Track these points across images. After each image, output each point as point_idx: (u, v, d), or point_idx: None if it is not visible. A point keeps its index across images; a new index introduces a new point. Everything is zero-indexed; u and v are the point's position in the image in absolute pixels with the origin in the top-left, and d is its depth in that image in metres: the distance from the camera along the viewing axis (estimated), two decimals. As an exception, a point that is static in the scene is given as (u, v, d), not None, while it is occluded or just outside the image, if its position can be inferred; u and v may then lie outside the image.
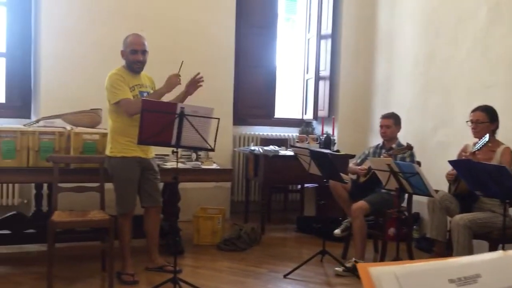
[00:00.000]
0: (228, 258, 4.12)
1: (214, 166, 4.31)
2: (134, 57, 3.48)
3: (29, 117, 5.00)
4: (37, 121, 3.94)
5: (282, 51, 6.36)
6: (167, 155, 4.26)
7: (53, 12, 4.86)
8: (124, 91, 3.42)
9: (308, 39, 6.21)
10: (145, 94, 3.52)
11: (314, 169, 3.77)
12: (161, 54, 5.16)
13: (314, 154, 3.73)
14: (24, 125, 3.85)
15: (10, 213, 4.01)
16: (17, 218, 3.96)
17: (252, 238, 4.50)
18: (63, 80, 4.85)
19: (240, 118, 5.85)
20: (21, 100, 5.02)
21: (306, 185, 5.56)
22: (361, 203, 3.77)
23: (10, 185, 4.89)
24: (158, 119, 3.03)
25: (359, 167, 4.08)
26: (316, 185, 5.26)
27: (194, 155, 4.41)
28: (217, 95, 5.23)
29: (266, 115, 6.01)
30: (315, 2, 6.04)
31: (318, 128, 6.02)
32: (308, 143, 5.21)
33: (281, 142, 5.71)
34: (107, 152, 3.54)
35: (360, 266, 0.61)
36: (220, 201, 5.31)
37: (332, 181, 3.92)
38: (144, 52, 3.52)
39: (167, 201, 4.36)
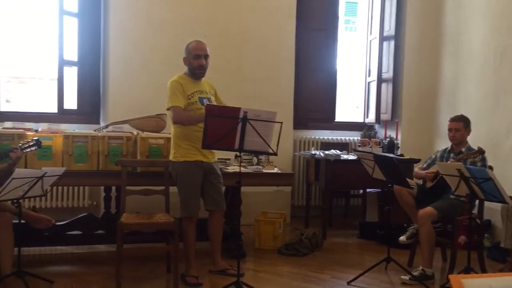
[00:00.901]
0: (289, 263, 4.09)
1: (275, 170, 4.30)
2: (198, 62, 3.55)
3: (98, 122, 5.22)
4: (106, 127, 4.11)
5: (343, 53, 6.27)
6: (229, 159, 4.30)
7: (121, 22, 5.07)
8: (177, 98, 3.49)
9: (370, 41, 6.08)
10: (205, 101, 3.56)
11: (378, 174, 3.67)
12: (222, 59, 5.26)
13: (378, 158, 3.64)
14: (94, 131, 4.03)
15: (81, 215, 4.19)
16: (88, 220, 4.13)
17: (314, 243, 4.45)
18: (130, 87, 5.04)
19: (300, 122, 5.82)
20: (91, 106, 5.26)
21: (368, 190, 5.43)
22: (429, 209, 3.63)
23: (81, 188, 5.14)
24: (222, 124, 3.07)
25: (425, 171, 3.93)
26: (378, 190, 5.14)
27: (255, 159, 4.43)
28: (277, 99, 5.25)
29: (326, 118, 5.95)
30: (377, 3, 5.90)
31: (380, 132, 5.87)
32: (370, 147, 5.09)
33: (342, 146, 5.62)
34: (171, 157, 3.62)
35: (453, 277, 0.58)
36: (281, 206, 5.30)
37: (397, 186, 3.80)
38: (206, 57, 3.59)
39: (229, 205, 4.40)
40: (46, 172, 3.01)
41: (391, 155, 4.89)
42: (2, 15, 5.17)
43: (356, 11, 8.66)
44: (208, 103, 3.51)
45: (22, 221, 3.12)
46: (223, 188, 3.77)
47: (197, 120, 3.43)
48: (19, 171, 2.85)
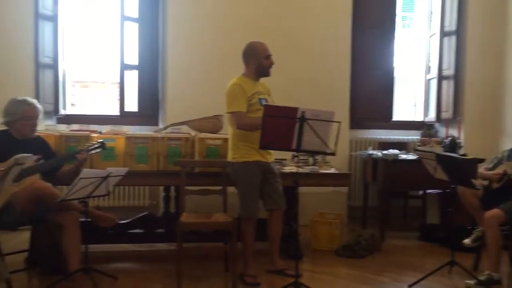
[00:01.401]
0: (347, 265, 4.03)
1: (332, 170, 4.25)
2: (269, 61, 3.65)
3: (157, 124, 5.38)
4: (166, 128, 4.21)
5: (400, 51, 6.10)
6: (285, 159, 4.30)
7: (179, 26, 5.19)
8: (239, 103, 3.53)
9: (430, 37, 5.88)
10: (263, 101, 3.59)
11: (440, 174, 3.55)
12: (276, 60, 5.26)
13: (441, 158, 3.51)
14: (154, 132, 4.14)
15: (142, 214, 4.32)
16: (149, 218, 4.26)
17: (372, 245, 4.36)
18: (188, 89, 5.16)
19: (356, 122, 5.72)
20: (150, 108, 5.42)
21: (428, 191, 5.26)
22: (496, 211, 3.46)
23: (141, 187, 5.31)
24: (279, 124, 3.07)
25: (491, 171, 3.75)
26: (440, 191, 4.96)
27: (311, 160, 4.39)
28: (333, 99, 5.20)
29: (383, 118, 5.81)
30: (437, -2, 5.71)
31: (441, 131, 5.67)
32: (431, 146, 4.92)
33: (400, 145, 5.45)
34: (229, 158, 3.67)
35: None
36: (337, 206, 5.23)
37: (461, 187, 3.65)
38: (271, 56, 3.67)
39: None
40: (110, 172, 3.12)
41: (454, 154, 4.70)
42: (67, 24, 5.41)
43: (413, 7, 8.41)
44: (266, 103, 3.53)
45: (88, 220, 3.28)
46: (281, 188, 3.76)
47: (260, 125, 3.46)
48: (86, 171, 2.98)
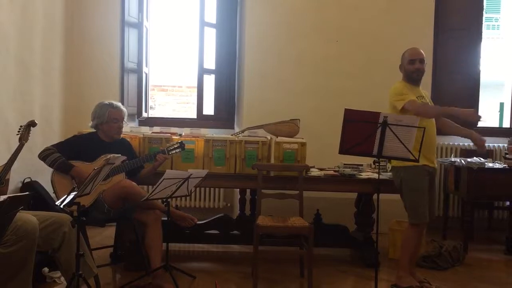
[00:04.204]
0: (428, 276, 3.84)
1: (412, 177, 4.09)
2: (413, 66, 3.51)
3: (232, 127, 5.47)
4: (243, 131, 4.27)
5: (484, 53, 5.78)
6: (361, 165, 4.21)
7: (255, 31, 5.24)
8: (407, 95, 3.41)
9: (519, 39, 5.53)
10: None
11: (534, 185, 3.31)
12: (354, 65, 5.18)
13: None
14: (232, 135, 4.21)
15: (218, 215, 4.40)
16: (225, 220, 4.33)
17: (454, 257, 4.16)
18: (263, 93, 5.19)
19: (437, 127, 5.47)
20: (226, 112, 5.53)
21: (517, 202, 4.93)
22: None
23: (216, 189, 5.42)
24: (360, 128, 3.01)
25: None
26: (530, 202, 4.64)
27: (389, 166, 4.26)
28: (413, 104, 5.01)
29: (467, 123, 5.50)
30: (527, -3, 5.36)
31: (531, 138, 5.30)
32: (520, 155, 4.61)
33: (485, 153, 5.17)
34: (395, 163, 3.53)
35: None
36: (415, 215, 5.02)
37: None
38: (421, 61, 3.54)
39: (362, 212, 4.31)
40: (191, 174, 3.21)
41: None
42: (150, 30, 5.65)
43: (499, 8, 7.96)
44: None
45: (168, 219, 3.39)
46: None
47: (434, 109, 3.43)
48: (169, 172, 3.08)
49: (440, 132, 3.72)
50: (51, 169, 3.40)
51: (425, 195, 3.42)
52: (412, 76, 3.52)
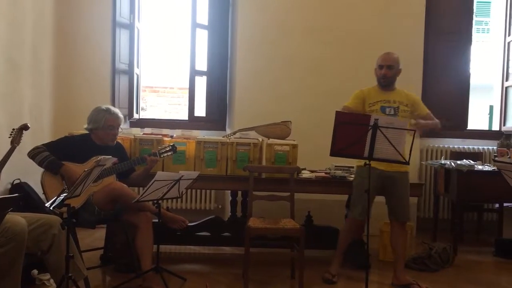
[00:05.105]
0: (418, 278, 3.86)
1: (403, 180, 4.11)
2: (380, 71, 3.64)
3: (223, 129, 5.47)
4: (234, 133, 4.26)
5: (474, 56, 5.83)
6: (352, 167, 4.22)
7: (247, 33, 5.25)
8: (349, 102, 3.67)
9: (508, 43, 5.59)
10: (387, 109, 3.59)
11: (522, 187, 3.33)
12: (347, 66, 5.20)
13: (523, 170, 3.30)
14: (223, 137, 4.21)
15: (210, 217, 4.39)
16: (216, 222, 4.32)
17: (444, 259, 4.18)
18: (255, 95, 5.20)
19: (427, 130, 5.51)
20: (218, 114, 5.52)
21: (505, 204, 4.98)
22: None
23: (208, 191, 5.41)
24: (351, 131, 3.02)
25: None
26: (519, 205, 4.68)
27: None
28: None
29: (457, 126, 5.57)
30: (515, 1, 5.42)
31: (519, 141, 5.35)
32: (509, 157, 4.65)
33: (474, 156, 5.22)
34: (355, 162, 3.72)
35: None
36: (406, 217, 5.06)
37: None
38: (389, 67, 3.62)
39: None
40: (183, 176, 3.20)
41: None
42: (141, 31, 5.63)
43: (489, 11, 8.05)
44: (392, 112, 3.56)
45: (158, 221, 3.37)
46: (406, 199, 3.70)
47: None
48: (160, 174, 3.07)
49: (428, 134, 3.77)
50: (41, 170, 3.37)
51: (363, 195, 3.43)
52: (379, 81, 3.65)
